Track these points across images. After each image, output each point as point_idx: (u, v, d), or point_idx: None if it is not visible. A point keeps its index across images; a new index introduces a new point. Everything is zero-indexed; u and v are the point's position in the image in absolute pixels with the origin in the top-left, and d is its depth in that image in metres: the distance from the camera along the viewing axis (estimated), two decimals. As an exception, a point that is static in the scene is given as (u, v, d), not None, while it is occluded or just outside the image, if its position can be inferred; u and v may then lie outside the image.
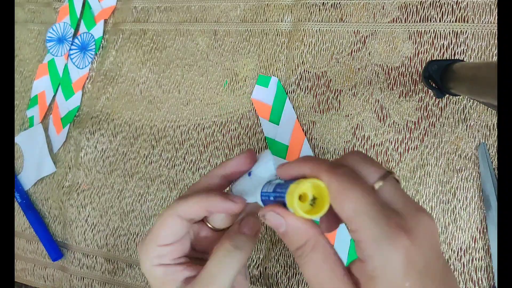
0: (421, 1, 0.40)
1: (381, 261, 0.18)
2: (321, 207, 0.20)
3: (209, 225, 0.28)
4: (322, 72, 0.42)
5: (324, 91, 0.41)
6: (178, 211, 0.25)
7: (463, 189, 0.36)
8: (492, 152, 0.36)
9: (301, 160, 0.22)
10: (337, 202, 0.20)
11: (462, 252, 0.35)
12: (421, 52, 0.39)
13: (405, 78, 0.39)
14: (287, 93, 0.42)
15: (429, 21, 0.39)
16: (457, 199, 0.36)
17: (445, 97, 0.37)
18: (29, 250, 0.50)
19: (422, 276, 0.18)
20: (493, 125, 0.36)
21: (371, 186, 0.20)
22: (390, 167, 0.38)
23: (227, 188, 0.28)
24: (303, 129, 0.41)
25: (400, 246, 0.18)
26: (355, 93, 0.40)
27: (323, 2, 0.43)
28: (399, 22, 0.40)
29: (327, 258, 0.21)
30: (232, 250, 0.24)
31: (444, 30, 0.39)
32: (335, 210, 0.20)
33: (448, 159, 0.37)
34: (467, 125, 0.37)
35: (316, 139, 0.41)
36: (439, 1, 0.39)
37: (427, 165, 0.37)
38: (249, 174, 0.25)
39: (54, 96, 0.53)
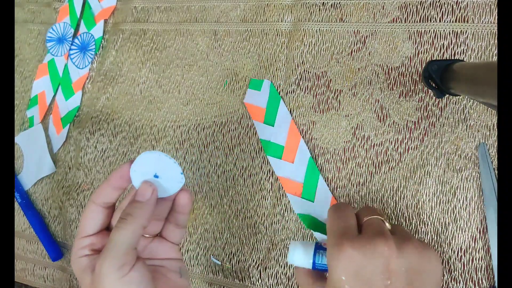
0: (421, 1, 0.40)
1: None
2: None
3: (145, 235, 0.32)
4: (322, 72, 0.42)
5: (324, 91, 0.41)
6: (91, 198, 0.30)
7: (463, 189, 0.36)
8: (492, 152, 0.36)
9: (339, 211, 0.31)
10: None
11: (462, 252, 0.35)
12: (421, 52, 0.39)
13: (405, 78, 0.39)
14: (281, 95, 0.42)
15: (429, 21, 0.39)
16: (457, 199, 0.36)
17: (445, 97, 0.37)
18: (29, 250, 0.50)
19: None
20: (493, 125, 0.36)
21: (351, 215, 0.30)
22: (390, 167, 0.38)
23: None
24: (299, 130, 0.41)
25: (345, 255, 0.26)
26: (355, 93, 0.40)
27: (323, 2, 0.43)
28: (399, 22, 0.40)
29: None
30: (124, 217, 0.27)
31: (444, 30, 0.39)
32: None
33: (448, 159, 0.37)
34: (467, 125, 0.37)
35: (316, 139, 0.41)
36: (439, 1, 0.39)
37: (427, 165, 0.37)
38: (156, 176, 0.30)
39: (54, 96, 0.53)
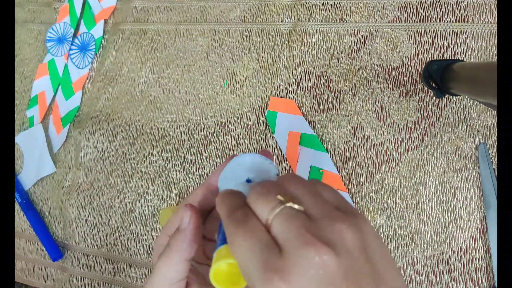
0: (421, 1, 0.40)
1: None
2: (238, 283, 0.21)
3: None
4: (322, 72, 0.42)
5: (324, 91, 0.41)
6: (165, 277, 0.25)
7: (463, 189, 0.36)
8: (492, 152, 0.36)
9: (218, 200, 0.23)
10: (230, 247, 0.20)
11: (462, 252, 0.35)
12: (421, 52, 0.39)
13: (405, 78, 0.39)
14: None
15: (429, 21, 0.39)
16: (457, 199, 0.36)
17: (445, 97, 0.37)
18: (29, 250, 0.50)
19: None
20: (493, 125, 0.36)
21: (257, 226, 0.20)
22: (390, 167, 0.38)
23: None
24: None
25: None
26: (355, 93, 0.40)
27: (323, 2, 0.43)
28: (399, 22, 0.40)
29: None
30: (166, 247, 0.25)
31: (444, 30, 0.39)
32: None
33: (448, 159, 0.37)
34: (467, 125, 0.37)
35: (316, 139, 0.41)
36: (439, 1, 0.39)
37: (427, 165, 0.37)
38: (248, 181, 0.25)
39: (54, 96, 0.53)
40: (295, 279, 0.17)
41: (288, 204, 0.20)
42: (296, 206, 0.20)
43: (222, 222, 0.21)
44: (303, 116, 0.41)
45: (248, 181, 0.25)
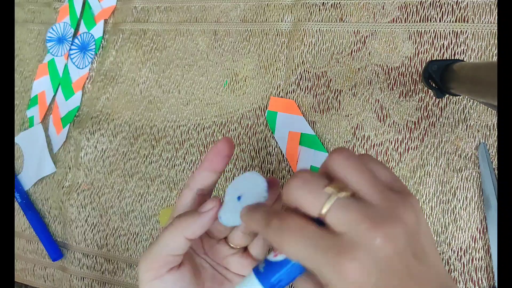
0: (421, 1, 0.40)
1: None
2: None
3: (230, 244, 0.29)
4: (322, 72, 0.42)
5: (324, 91, 0.41)
6: (186, 184, 0.27)
7: (463, 189, 0.36)
8: (492, 152, 0.36)
9: (247, 215, 0.24)
10: (284, 253, 0.21)
11: (462, 252, 0.35)
12: (421, 52, 0.39)
13: (405, 78, 0.39)
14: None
15: (429, 21, 0.39)
16: (457, 199, 0.36)
17: (445, 97, 0.37)
18: (29, 250, 0.50)
19: None
20: (493, 125, 0.36)
21: (301, 224, 0.20)
22: (390, 167, 0.38)
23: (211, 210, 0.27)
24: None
25: (344, 274, 0.18)
26: (355, 93, 0.40)
27: (323, 2, 0.43)
28: (399, 22, 0.40)
29: None
30: (176, 219, 0.26)
31: (444, 30, 0.39)
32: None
33: (448, 159, 0.37)
34: (467, 125, 0.37)
35: (316, 139, 0.41)
36: (439, 1, 0.39)
37: (427, 165, 0.37)
38: (239, 199, 0.25)
39: (54, 96, 0.53)
40: (361, 257, 0.18)
41: (341, 195, 0.20)
42: (348, 194, 0.20)
43: (263, 237, 0.22)
44: (303, 116, 0.41)
45: (238, 198, 0.25)
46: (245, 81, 0.45)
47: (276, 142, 0.42)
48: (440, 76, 0.32)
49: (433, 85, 0.33)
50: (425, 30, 0.39)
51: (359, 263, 0.18)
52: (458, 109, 0.37)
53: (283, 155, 0.41)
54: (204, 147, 0.44)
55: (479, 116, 0.37)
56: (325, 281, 0.19)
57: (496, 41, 0.37)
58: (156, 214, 0.45)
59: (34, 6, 0.58)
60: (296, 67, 0.43)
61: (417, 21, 0.40)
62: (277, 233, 0.20)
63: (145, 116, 0.48)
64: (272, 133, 0.42)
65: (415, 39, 0.40)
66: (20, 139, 0.53)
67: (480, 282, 0.34)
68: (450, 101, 0.37)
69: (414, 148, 0.38)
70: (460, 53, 0.38)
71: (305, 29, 0.43)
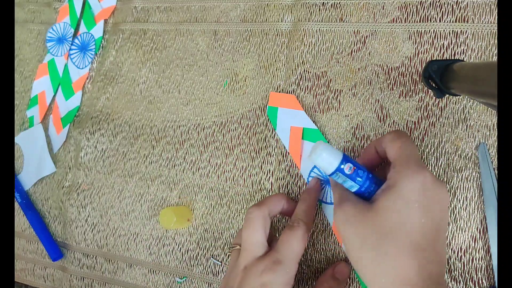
0: (421, 1, 0.40)
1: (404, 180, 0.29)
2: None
3: None
4: (322, 72, 0.42)
5: (324, 91, 0.41)
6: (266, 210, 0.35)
7: (463, 189, 0.36)
8: (492, 152, 0.36)
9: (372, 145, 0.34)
10: (391, 151, 0.31)
11: (462, 252, 0.35)
12: (421, 52, 0.39)
13: (405, 78, 0.39)
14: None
15: (429, 21, 0.39)
16: (457, 199, 0.36)
17: (445, 97, 0.37)
18: (29, 250, 0.50)
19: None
20: (493, 125, 0.36)
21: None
22: (390, 167, 0.38)
23: None
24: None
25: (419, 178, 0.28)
26: (355, 93, 0.40)
27: (323, 2, 0.43)
28: (399, 22, 0.40)
29: None
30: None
31: (444, 30, 0.39)
32: (388, 155, 0.31)
33: (448, 159, 0.37)
34: (467, 125, 0.37)
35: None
36: (439, 1, 0.39)
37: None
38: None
39: (54, 96, 0.53)
40: (429, 175, 0.28)
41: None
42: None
43: (389, 144, 0.32)
44: (303, 116, 0.41)
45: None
46: (245, 81, 0.45)
47: (279, 138, 0.42)
48: (440, 76, 0.32)
49: (433, 85, 0.33)
50: (425, 30, 0.39)
51: (431, 176, 0.29)
52: (458, 109, 0.37)
53: (283, 154, 0.41)
54: (204, 147, 0.44)
55: (479, 116, 0.37)
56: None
57: (496, 41, 0.37)
58: (156, 214, 0.45)
59: (34, 6, 0.58)
60: (296, 67, 0.43)
61: (417, 21, 0.40)
62: (395, 142, 0.31)
63: (145, 116, 0.48)
64: (272, 131, 0.42)
65: (415, 39, 0.40)
66: (20, 139, 0.53)
67: (480, 282, 0.34)
68: (450, 101, 0.37)
69: (414, 148, 0.38)
70: (460, 53, 0.38)
71: (305, 29, 0.43)
